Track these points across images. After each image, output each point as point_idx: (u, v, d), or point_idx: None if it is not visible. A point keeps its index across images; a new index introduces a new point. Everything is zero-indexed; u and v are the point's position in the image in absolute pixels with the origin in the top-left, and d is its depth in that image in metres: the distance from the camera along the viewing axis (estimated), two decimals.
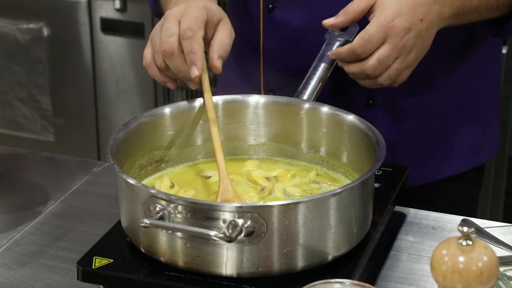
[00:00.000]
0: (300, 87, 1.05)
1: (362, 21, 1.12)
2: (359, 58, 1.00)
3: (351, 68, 1.01)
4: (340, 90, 1.16)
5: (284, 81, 1.17)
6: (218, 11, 1.02)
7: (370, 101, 1.15)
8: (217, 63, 0.99)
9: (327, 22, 1.03)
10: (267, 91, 1.21)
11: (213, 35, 1.01)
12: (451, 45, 1.16)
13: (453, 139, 1.21)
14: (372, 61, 0.98)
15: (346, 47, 1.01)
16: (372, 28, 0.98)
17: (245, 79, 1.24)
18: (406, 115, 1.17)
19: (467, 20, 1.07)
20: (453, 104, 1.20)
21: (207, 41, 1.01)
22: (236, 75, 1.26)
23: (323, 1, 1.12)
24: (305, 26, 1.14)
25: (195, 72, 0.96)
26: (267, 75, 1.20)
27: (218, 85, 1.33)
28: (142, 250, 0.88)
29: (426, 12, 1.00)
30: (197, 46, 0.96)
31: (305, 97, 1.04)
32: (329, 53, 1.04)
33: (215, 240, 0.81)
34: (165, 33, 0.98)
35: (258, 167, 1.02)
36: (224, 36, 1.01)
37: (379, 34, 0.98)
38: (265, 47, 1.18)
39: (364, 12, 1.01)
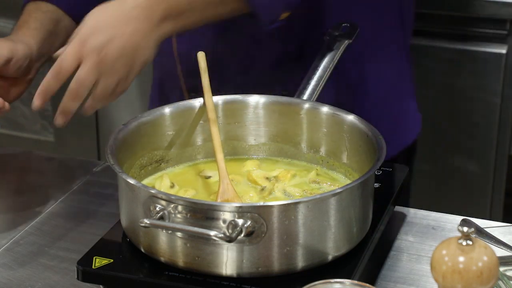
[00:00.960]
0: (300, 87, 1.05)
1: (362, 21, 1.12)
2: (62, 80, 0.96)
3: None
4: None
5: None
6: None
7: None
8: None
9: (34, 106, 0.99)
10: (190, 93, 1.23)
11: None
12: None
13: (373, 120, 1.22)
14: (72, 83, 0.94)
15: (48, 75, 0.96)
16: (68, 49, 0.94)
17: (168, 83, 1.27)
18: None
19: (192, 20, 1.03)
20: (367, 83, 1.21)
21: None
22: (160, 80, 1.29)
23: None
24: (214, 27, 1.16)
25: None
26: (186, 78, 1.22)
27: (152, 87, 1.35)
28: (142, 250, 0.88)
29: (128, 22, 0.96)
30: None
31: (305, 97, 1.04)
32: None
33: (215, 240, 0.81)
34: None
35: (258, 167, 1.02)
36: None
37: (74, 54, 0.93)
38: (179, 50, 1.20)
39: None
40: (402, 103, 1.29)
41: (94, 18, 0.96)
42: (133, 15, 0.96)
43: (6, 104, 1.07)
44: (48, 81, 0.96)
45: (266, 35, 1.15)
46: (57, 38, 1.17)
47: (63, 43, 1.18)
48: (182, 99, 1.18)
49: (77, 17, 1.21)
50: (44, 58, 1.14)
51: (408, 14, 1.26)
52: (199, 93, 1.18)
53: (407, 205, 1.09)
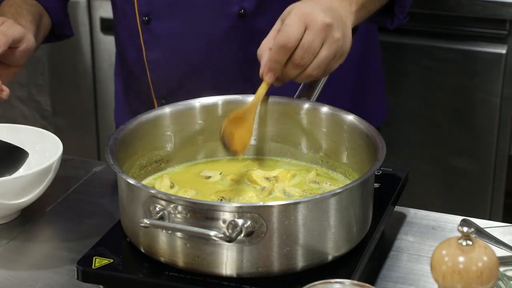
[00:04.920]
0: (300, 87, 1.05)
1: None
2: (288, 50, 0.94)
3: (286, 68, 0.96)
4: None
5: (172, 88, 1.20)
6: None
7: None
8: None
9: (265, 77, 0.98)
10: (159, 100, 1.24)
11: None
12: None
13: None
14: (298, 49, 0.94)
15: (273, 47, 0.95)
16: (289, 20, 0.94)
17: (137, 91, 1.28)
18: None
19: (370, 9, 1.07)
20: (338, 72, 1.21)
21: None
22: (128, 87, 1.30)
23: (193, 5, 1.16)
24: (182, 32, 1.17)
25: None
26: (155, 85, 1.23)
27: (115, 99, 1.37)
28: (142, 250, 0.88)
29: (339, 7, 0.99)
30: None
31: (304, 97, 1.04)
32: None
33: (215, 240, 0.81)
34: None
35: (258, 167, 1.02)
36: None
37: (298, 22, 0.94)
38: (148, 58, 1.21)
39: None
40: (369, 84, 1.29)
41: (300, 5, 0.96)
42: (339, 5, 0.99)
43: (6, 88, 1.07)
44: (276, 54, 0.94)
45: (231, 33, 1.14)
46: (39, 34, 1.18)
47: (42, 40, 1.19)
48: (152, 106, 1.19)
49: (55, 15, 1.22)
50: (32, 53, 1.13)
51: None
52: (168, 99, 1.20)
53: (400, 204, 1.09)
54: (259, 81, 0.99)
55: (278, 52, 0.94)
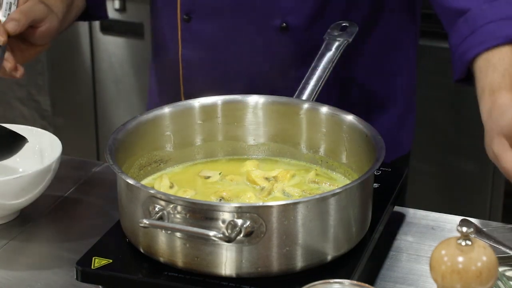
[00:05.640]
0: (299, 87, 1.05)
1: (361, 21, 1.12)
2: None
3: None
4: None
5: (203, 89, 1.19)
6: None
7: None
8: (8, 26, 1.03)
9: None
10: (187, 99, 1.23)
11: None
12: (368, 36, 1.17)
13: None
14: None
15: None
16: None
17: (167, 88, 1.27)
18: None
19: None
20: (367, 97, 1.21)
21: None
22: (159, 83, 1.30)
23: (236, 11, 1.15)
24: (221, 36, 1.17)
25: (0, 39, 1.02)
26: (186, 84, 1.22)
27: (148, 96, 1.36)
28: (142, 250, 0.88)
29: None
30: None
31: (304, 97, 1.04)
32: None
33: (214, 240, 0.81)
34: None
35: (257, 167, 1.02)
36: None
37: None
38: (183, 56, 1.21)
39: None
40: (403, 112, 1.29)
41: None
42: None
43: (21, 68, 1.06)
44: None
45: (270, 44, 1.14)
46: (70, 14, 1.17)
47: (72, 21, 1.18)
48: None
49: None
50: (58, 34, 1.13)
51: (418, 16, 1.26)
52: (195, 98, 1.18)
53: (403, 205, 1.09)
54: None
55: None
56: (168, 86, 1.28)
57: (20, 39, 1.09)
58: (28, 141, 1.05)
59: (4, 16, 1.06)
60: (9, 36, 1.04)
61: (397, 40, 1.21)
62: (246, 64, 1.17)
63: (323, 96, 1.04)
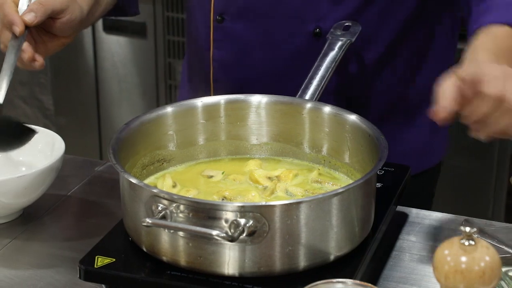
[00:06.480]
0: (302, 87, 1.05)
1: (364, 20, 1.12)
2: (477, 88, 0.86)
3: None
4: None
5: (234, 90, 1.18)
6: None
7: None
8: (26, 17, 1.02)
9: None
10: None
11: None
12: (408, 45, 1.16)
13: (401, 140, 1.21)
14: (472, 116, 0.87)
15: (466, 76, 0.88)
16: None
17: (198, 86, 1.27)
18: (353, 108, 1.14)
19: None
20: (401, 104, 1.20)
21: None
22: (190, 81, 1.29)
23: (269, 15, 1.14)
24: (253, 38, 1.16)
25: (16, 30, 1.01)
26: (216, 84, 1.22)
27: (179, 90, 1.36)
28: (144, 249, 0.88)
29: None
30: (8, 9, 1.01)
31: (307, 96, 1.04)
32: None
33: (217, 239, 0.81)
34: None
35: (260, 166, 1.02)
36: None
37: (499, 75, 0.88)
38: (214, 56, 1.20)
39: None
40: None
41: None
42: None
43: (41, 59, 1.05)
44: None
45: (302, 49, 1.14)
46: (99, 7, 1.15)
47: (102, 14, 1.16)
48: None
49: None
50: (84, 26, 1.12)
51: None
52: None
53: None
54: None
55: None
56: (199, 84, 1.26)
57: (43, 31, 1.07)
58: (37, 132, 1.04)
59: (24, 7, 1.05)
60: (27, 27, 1.02)
61: (434, 45, 1.20)
62: (276, 68, 1.16)
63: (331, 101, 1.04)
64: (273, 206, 0.82)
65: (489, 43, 0.96)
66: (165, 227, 0.84)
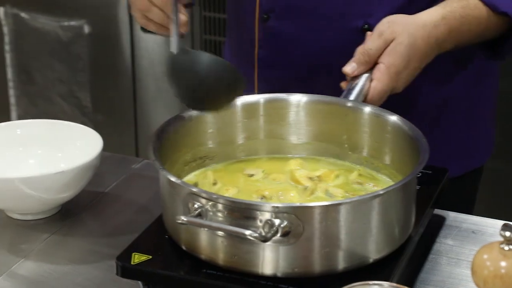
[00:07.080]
0: (346, 87, 1.04)
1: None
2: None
3: None
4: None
5: (277, 88, 1.18)
6: None
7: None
8: None
9: (348, 70, 1.04)
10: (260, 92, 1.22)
11: None
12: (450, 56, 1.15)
13: (448, 142, 1.20)
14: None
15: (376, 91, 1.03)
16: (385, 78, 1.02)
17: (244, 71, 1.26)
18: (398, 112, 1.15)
19: (463, 45, 1.09)
20: (448, 107, 1.19)
21: None
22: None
23: (317, 12, 1.13)
24: (299, 37, 1.15)
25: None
26: (261, 84, 1.21)
27: None
28: (183, 247, 0.88)
29: (428, 60, 1.04)
30: None
31: (352, 97, 1.02)
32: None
33: (250, 239, 0.81)
34: None
35: (302, 166, 1.01)
36: None
37: (390, 84, 1.02)
38: (259, 55, 1.20)
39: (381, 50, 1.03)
40: (480, 124, 1.26)
41: (406, 52, 1.02)
42: (431, 54, 1.04)
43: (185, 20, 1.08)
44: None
45: (349, 45, 1.12)
46: None
47: None
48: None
49: None
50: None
51: None
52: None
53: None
54: None
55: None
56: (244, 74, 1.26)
57: None
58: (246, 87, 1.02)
59: None
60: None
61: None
62: (323, 65, 1.15)
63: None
64: (308, 207, 0.82)
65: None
66: (199, 225, 0.84)
